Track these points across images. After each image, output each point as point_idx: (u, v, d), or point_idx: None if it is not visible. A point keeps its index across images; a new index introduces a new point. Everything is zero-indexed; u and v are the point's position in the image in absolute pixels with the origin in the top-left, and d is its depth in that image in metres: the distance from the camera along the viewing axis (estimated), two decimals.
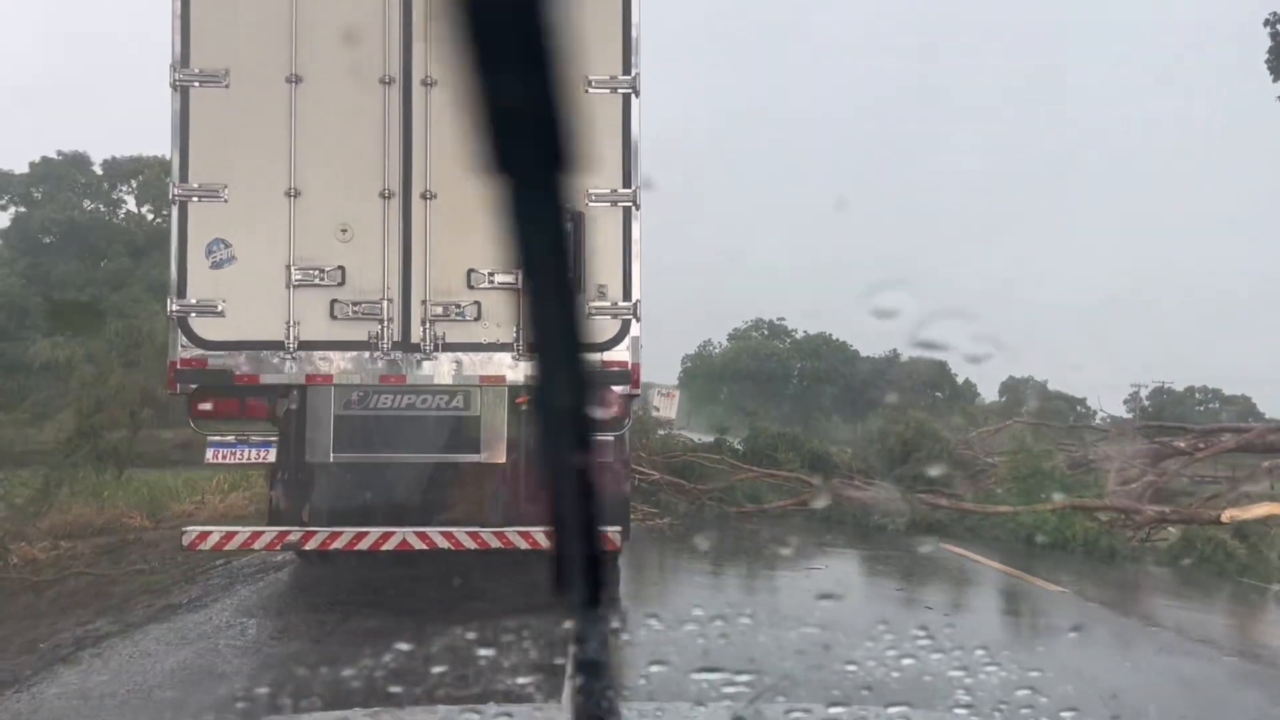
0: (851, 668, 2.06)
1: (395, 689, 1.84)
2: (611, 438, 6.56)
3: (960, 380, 63.33)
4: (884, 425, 14.23)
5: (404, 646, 2.13)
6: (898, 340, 59.68)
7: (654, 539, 9.85)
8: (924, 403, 54.34)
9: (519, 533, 6.17)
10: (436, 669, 1.92)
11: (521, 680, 1.72)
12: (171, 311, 6.17)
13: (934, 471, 12.37)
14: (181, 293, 6.17)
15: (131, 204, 39.57)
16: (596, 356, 6.24)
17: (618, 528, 6.33)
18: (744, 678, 1.57)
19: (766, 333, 69.83)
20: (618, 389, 6.30)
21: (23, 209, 36.86)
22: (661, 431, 14.73)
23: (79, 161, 38.52)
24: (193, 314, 6.15)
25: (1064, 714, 1.70)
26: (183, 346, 6.16)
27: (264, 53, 6.18)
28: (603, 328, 6.26)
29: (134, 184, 38.76)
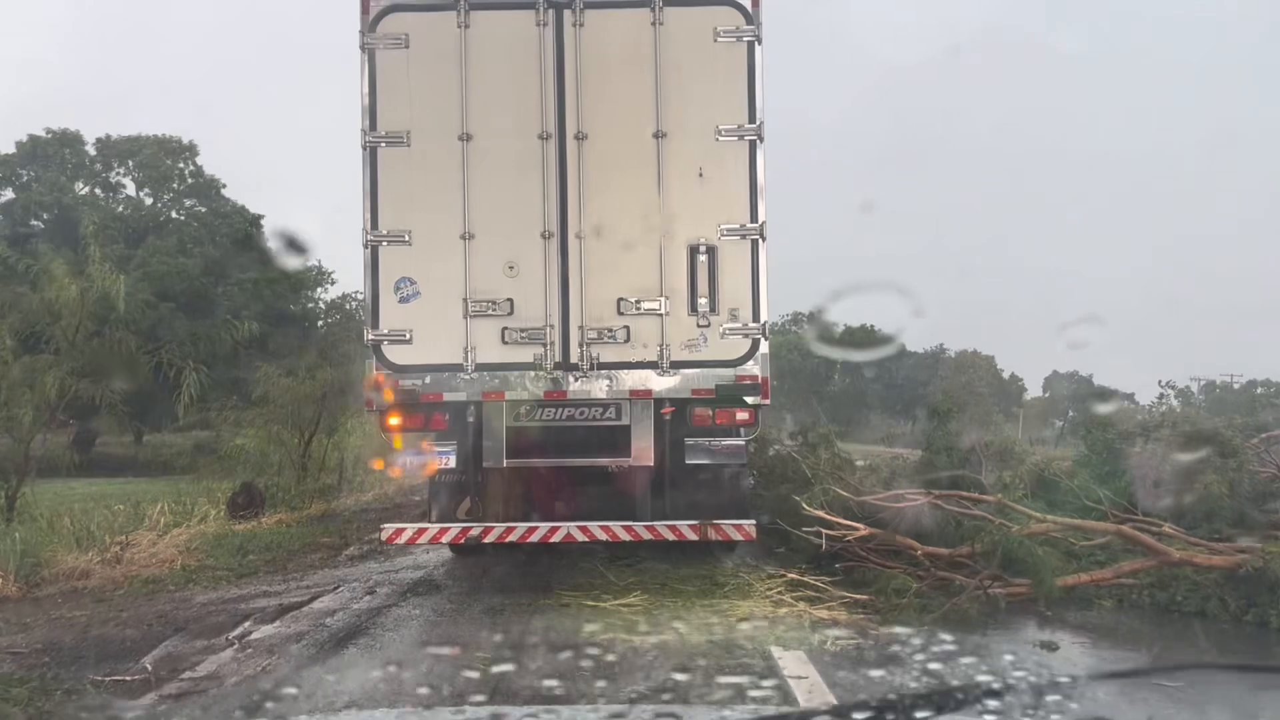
0: None
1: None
2: (742, 442, 7.49)
3: (1006, 375, 62.94)
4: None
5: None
6: (944, 334, 59.21)
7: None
8: (972, 400, 54.19)
9: (667, 526, 7.13)
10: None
11: None
12: (368, 340, 7.21)
13: None
14: (375, 324, 7.20)
15: (131, 188, 37.09)
16: (731, 372, 7.18)
17: (752, 520, 7.25)
18: None
19: (806, 326, 70.09)
20: (750, 399, 7.21)
21: (8, 192, 33.99)
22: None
23: (70, 140, 35.40)
24: (385, 342, 7.18)
25: None
26: (377, 370, 7.19)
27: (439, 116, 7.18)
28: (736, 346, 7.18)
29: (131, 165, 36.41)
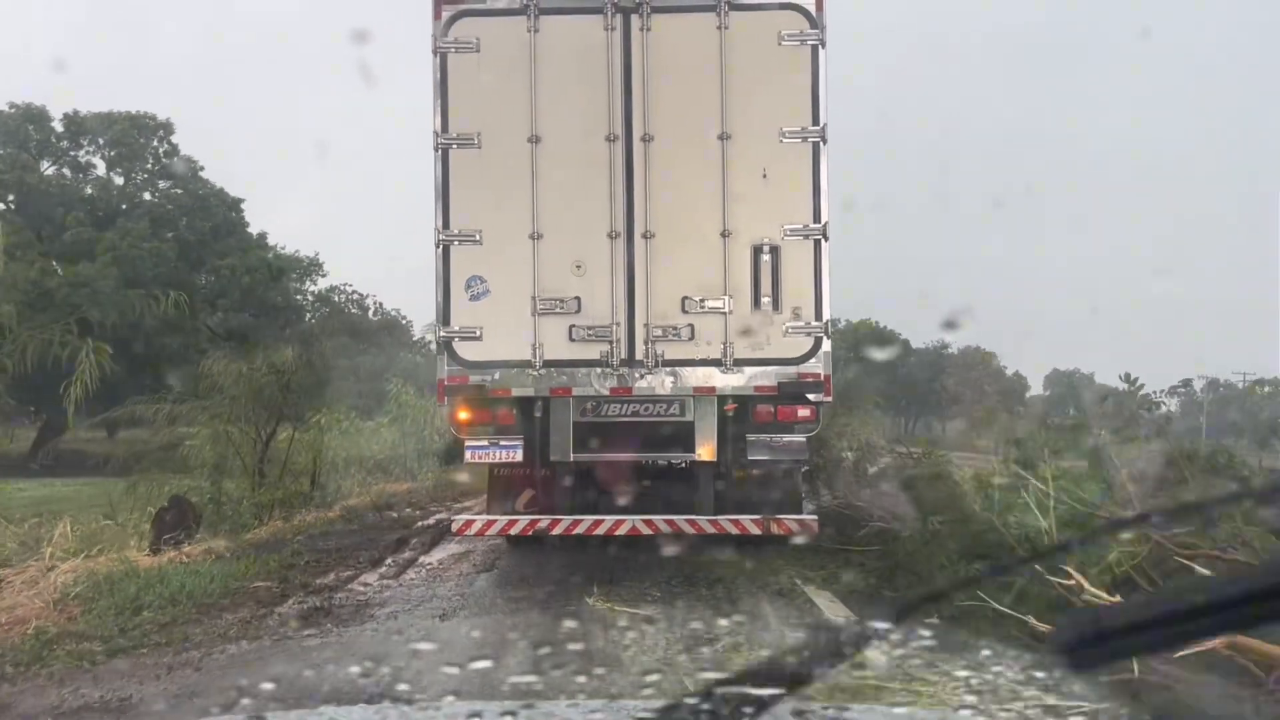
0: None
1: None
2: (804, 439, 7.67)
3: (1010, 373, 62.91)
4: None
5: None
6: (946, 331, 58.96)
7: None
8: (980, 399, 54.02)
9: (730, 520, 7.31)
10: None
11: None
12: (439, 337, 7.38)
13: None
14: (446, 321, 7.36)
15: (101, 168, 34.84)
16: (793, 369, 7.35)
17: (815, 516, 7.44)
18: None
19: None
20: (812, 397, 7.38)
21: None
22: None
23: (35, 116, 33.17)
24: (456, 339, 7.34)
25: None
26: (448, 366, 7.35)
27: (509, 118, 7.34)
28: (798, 344, 7.35)
29: (101, 142, 34.12)
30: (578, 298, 7.36)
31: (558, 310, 7.35)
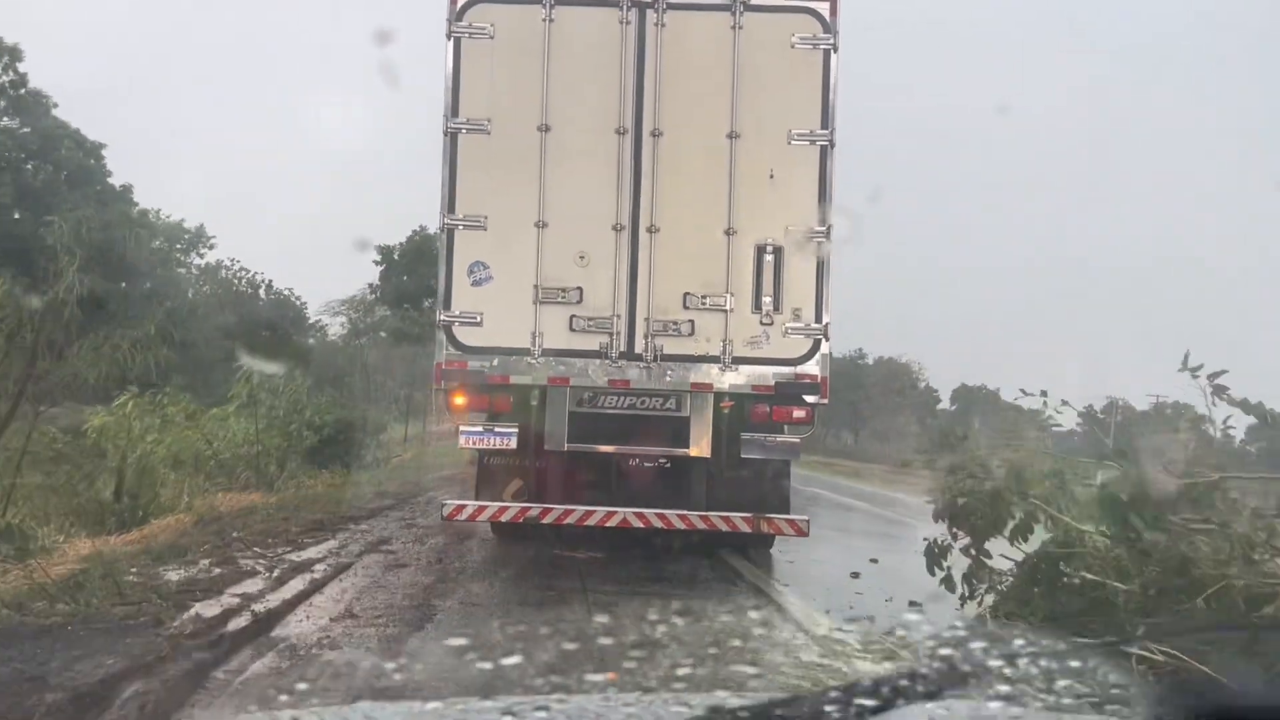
0: None
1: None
2: (798, 440, 7.69)
3: (922, 385, 62.24)
4: None
5: None
6: (862, 339, 57.13)
7: None
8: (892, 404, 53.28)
9: (721, 516, 7.32)
10: None
11: None
12: (440, 320, 7.38)
13: None
14: (447, 305, 7.37)
15: None
16: (791, 370, 7.37)
17: (805, 517, 7.45)
18: None
19: None
20: (809, 398, 7.40)
21: None
22: None
23: None
24: (456, 323, 7.35)
25: None
26: (447, 350, 7.36)
27: (520, 106, 7.36)
28: (798, 345, 7.37)
29: None
30: (580, 288, 7.37)
31: (559, 300, 7.36)
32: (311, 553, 7.77)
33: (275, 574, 6.62)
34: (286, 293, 41.12)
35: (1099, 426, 6.57)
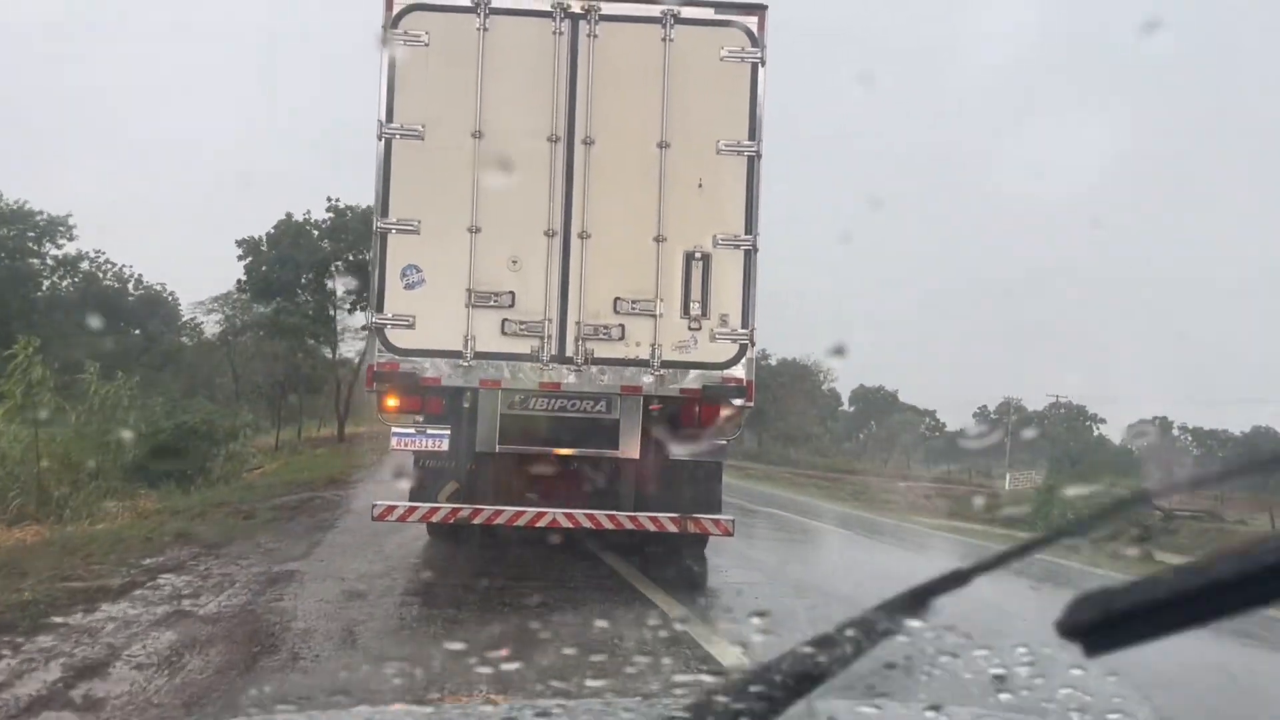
0: None
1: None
2: (724, 441, 7.87)
3: (825, 387, 63.18)
4: None
5: None
6: (766, 340, 57.69)
7: None
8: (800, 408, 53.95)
9: (649, 517, 7.48)
10: None
11: None
12: (371, 323, 7.46)
13: None
14: (380, 308, 7.45)
15: None
16: (718, 373, 7.56)
17: (731, 518, 7.63)
18: None
19: None
20: (736, 401, 7.60)
21: None
22: None
23: None
24: (389, 326, 7.43)
25: None
26: (379, 352, 7.43)
27: (454, 113, 7.48)
28: (724, 349, 7.57)
29: None
30: (512, 292, 7.50)
31: (491, 303, 7.48)
32: None
33: None
34: (159, 288, 39.51)
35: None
